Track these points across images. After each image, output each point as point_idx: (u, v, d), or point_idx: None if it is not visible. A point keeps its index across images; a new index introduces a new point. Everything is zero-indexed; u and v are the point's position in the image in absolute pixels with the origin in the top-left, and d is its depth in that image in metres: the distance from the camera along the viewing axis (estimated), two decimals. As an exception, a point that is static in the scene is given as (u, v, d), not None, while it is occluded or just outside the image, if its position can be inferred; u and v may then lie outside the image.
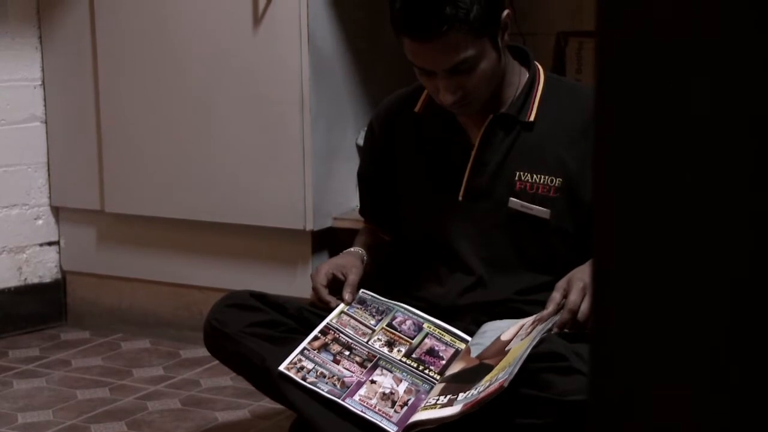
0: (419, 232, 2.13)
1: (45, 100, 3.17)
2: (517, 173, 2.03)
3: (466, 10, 1.89)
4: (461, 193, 2.07)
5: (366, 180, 2.27)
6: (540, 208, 2.01)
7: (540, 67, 2.11)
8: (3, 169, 3.13)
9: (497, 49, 1.98)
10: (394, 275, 2.21)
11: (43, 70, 3.16)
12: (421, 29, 1.90)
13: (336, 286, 2.09)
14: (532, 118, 2.04)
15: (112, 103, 3.02)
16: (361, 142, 2.61)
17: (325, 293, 2.07)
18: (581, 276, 1.90)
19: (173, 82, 2.91)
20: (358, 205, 2.38)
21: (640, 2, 0.65)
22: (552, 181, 2.02)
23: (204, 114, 2.88)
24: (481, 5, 1.90)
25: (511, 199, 2.03)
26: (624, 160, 0.66)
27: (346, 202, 2.87)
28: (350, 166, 2.76)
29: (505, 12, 1.96)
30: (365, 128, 2.36)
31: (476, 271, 2.07)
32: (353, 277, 2.09)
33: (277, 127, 2.78)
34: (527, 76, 2.08)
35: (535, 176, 2.02)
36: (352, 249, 2.20)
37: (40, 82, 3.17)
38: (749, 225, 0.63)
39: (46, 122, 3.18)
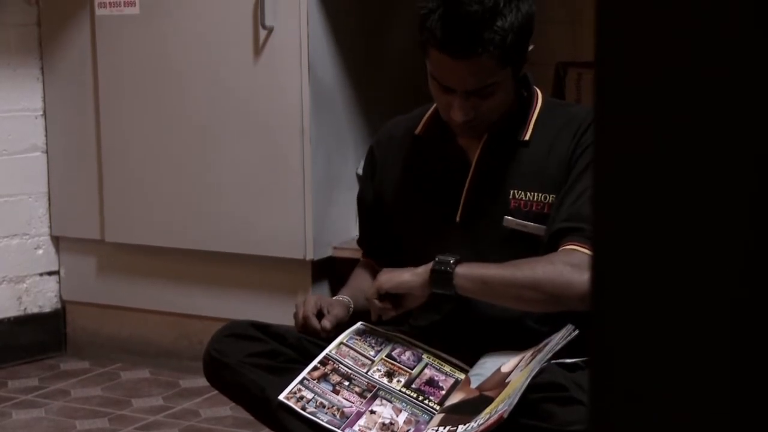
0: (417, 256, 2.13)
1: (46, 130, 3.18)
2: (512, 191, 2.05)
3: (502, 37, 1.91)
4: (459, 214, 2.08)
5: (365, 205, 2.28)
6: (535, 225, 2.02)
7: (539, 90, 2.13)
8: (4, 199, 3.14)
9: (515, 81, 2.01)
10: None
11: (44, 101, 3.17)
12: (457, 47, 1.92)
13: (320, 318, 2.12)
14: (527, 137, 2.06)
15: (113, 133, 3.03)
16: (361, 171, 2.62)
17: (315, 321, 2.08)
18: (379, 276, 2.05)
19: (174, 113, 2.92)
20: (358, 234, 2.39)
21: (640, 32, 0.65)
22: (545, 198, 2.03)
23: (204, 144, 2.89)
24: (515, 35, 1.93)
25: (506, 217, 2.04)
26: (622, 195, 0.67)
27: (346, 232, 2.87)
28: (350, 195, 2.76)
29: (531, 47, 1.99)
30: (365, 157, 2.37)
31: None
32: (337, 311, 2.11)
33: (277, 156, 2.79)
34: (524, 96, 2.10)
35: (528, 194, 2.03)
36: (339, 297, 2.21)
37: (41, 113, 3.18)
38: (751, 243, 0.63)
39: (47, 152, 3.19)
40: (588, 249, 1.92)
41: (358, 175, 2.80)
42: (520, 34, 1.94)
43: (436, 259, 1.98)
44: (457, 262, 1.96)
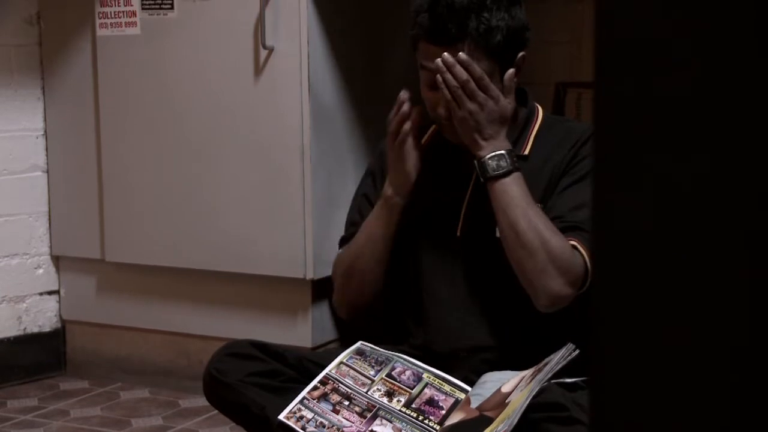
0: (416, 269, 2.13)
1: (47, 150, 3.19)
2: None
3: (486, 27, 1.97)
4: (459, 228, 2.08)
5: (370, 203, 2.23)
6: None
7: (539, 107, 2.16)
8: (4, 219, 3.14)
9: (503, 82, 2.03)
10: (392, 324, 2.21)
11: (45, 121, 3.18)
12: (442, 34, 1.98)
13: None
14: (526, 152, 2.09)
15: (114, 153, 3.03)
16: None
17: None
18: None
19: (174, 133, 2.93)
20: (345, 232, 2.29)
21: (639, 54, 0.65)
22: (541, 208, 2.05)
23: (205, 164, 2.89)
24: (503, 35, 1.99)
25: None
26: (622, 214, 0.67)
27: (346, 252, 2.87)
28: (350, 215, 2.77)
29: (521, 54, 2.02)
30: (377, 156, 2.33)
31: (474, 311, 2.08)
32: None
33: (277, 176, 2.79)
34: (524, 112, 2.13)
35: None
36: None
37: (42, 133, 3.18)
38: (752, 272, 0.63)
39: (47, 172, 3.19)
40: (586, 252, 1.95)
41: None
42: (507, 34, 1.99)
43: (501, 152, 1.99)
44: (502, 175, 1.99)
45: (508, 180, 1.99)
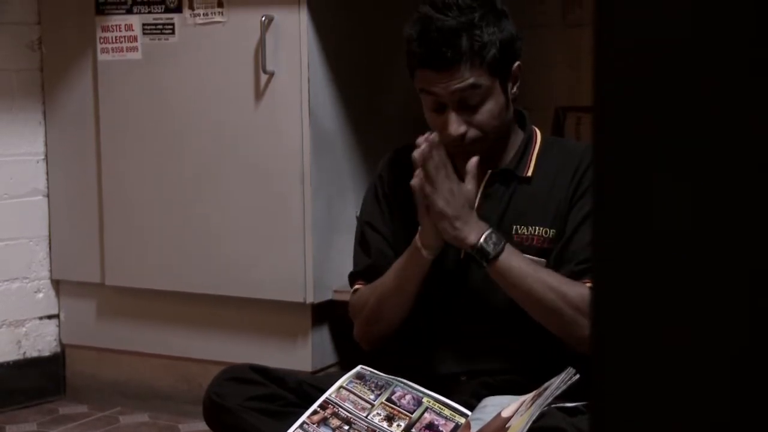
0: (420, 295, 2.13)
1: (47, 174, 3.19)
2: (514, 227, 2.08)
3: (480, 44, 1.99)
4: (463, 251, 2.09)
5: (376, 230, 2.22)
6: (537, 258, 2.04)
7: (537, 129, 2.18)
8: (4, 243, 3.14)
9: (505, 95, 2.06)
10: (396, 348, 2.21)
11: (46, 145, 3.18)
12: (438, 59, 1.99)
13: None
14: (529, 174, 2.11)
15: (114, 177, 3.03)
16: (359, 213, 2.60)
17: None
18: None
19: (175, 157, 2.93)
20: (354, 268, 2.29)
21: (637, 80, 0.66)
22: (546, 232, 2.06)
23: (205, 188, 2.89)
24: (496, 48, 2.01)
25: None
26: (622, 239, 0.67)
27: (346, 275, 2.87)
28: (350, 238, 2.76)
29: (516, 63, 2.05)
30: (373, 185, 2.32)
31: (475, 334, 2.08)
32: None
33: (277, 200, 2.80)
34: (523, 135, 2.14)
35: (530, 228, 2.07)
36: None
37: (43, 157, 3.19)
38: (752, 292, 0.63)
39: (48, 196, 3.19)
40: None
41: (358, 218, 2.80)
42: (501, 48, 2.01)
43: (489, 231, 1.99)
44: (500, 251, 1.99)
45: (505, 255, 1.99)
